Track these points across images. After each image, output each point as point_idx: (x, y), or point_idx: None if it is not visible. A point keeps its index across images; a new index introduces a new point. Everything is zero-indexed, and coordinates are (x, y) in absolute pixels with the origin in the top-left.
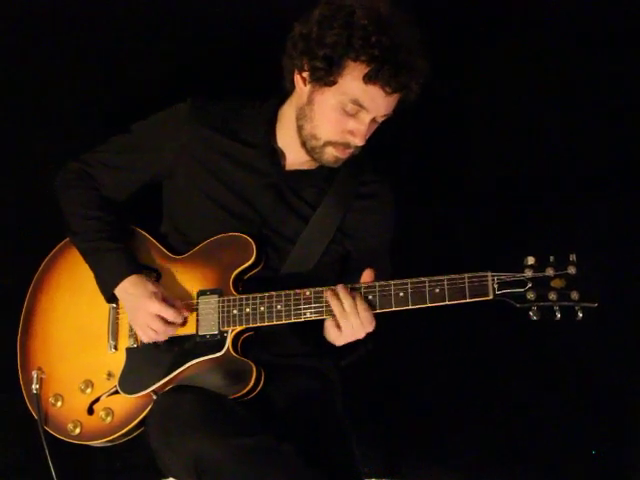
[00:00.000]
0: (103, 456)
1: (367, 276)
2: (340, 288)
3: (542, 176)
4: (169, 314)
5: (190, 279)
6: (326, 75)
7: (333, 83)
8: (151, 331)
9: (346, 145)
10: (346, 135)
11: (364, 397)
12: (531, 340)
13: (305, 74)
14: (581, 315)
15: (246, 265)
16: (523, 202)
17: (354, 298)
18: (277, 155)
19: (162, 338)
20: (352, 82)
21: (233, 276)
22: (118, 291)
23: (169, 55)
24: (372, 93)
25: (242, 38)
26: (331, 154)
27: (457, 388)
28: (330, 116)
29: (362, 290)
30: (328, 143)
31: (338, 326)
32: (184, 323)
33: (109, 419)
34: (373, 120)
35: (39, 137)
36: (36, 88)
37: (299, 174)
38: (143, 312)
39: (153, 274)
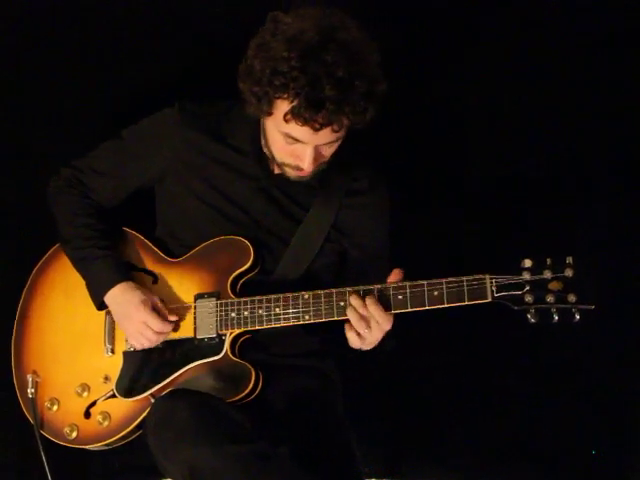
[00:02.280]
0: (101, 457)
1: (394, 276)
2: (350, 296)
3: (541, 177)
4: (155, 324)
5: (187, 282)
6: (259, 108)
7: (269, 114)
8: (142, 338)
9: (298, 167)
10: (295, 159)
11: (364, 397)
12: (530, 341)
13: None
14: (578, 317)
15: (243, 268)
16: (522, 203)
17: (364, 299)
18: (265, 160)
19: (153, 345)
20: (280, 117)
21: (231, 279)
22: (107, 299)
23: (169, 55)
24: (299, 129)
25: (239, 39)
26: (291, 173)
27: (457, 389)
28: (276, 142)
29: (374, 292)
30: (283, 164)
31: (358, 334)
32: (176, 329)
33: (106, 423)
34: (320, 146)
35: (34, 139)
36: (36, 88)
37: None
38: (131, 321)
39: (150, 278)
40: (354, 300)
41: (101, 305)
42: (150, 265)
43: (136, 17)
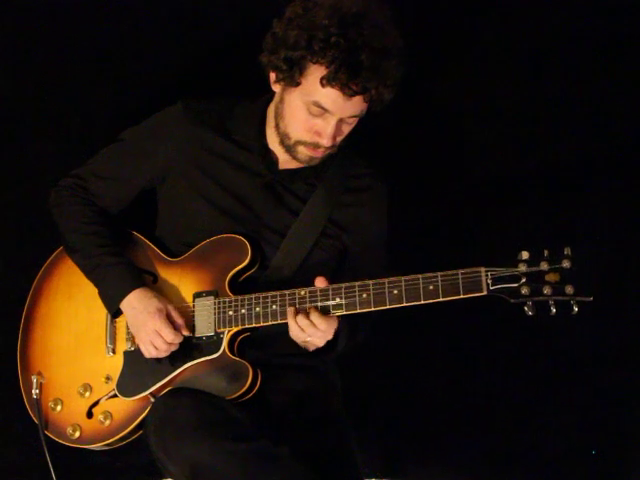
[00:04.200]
0: (103, 456)
1: (319, 282)
2: (290, 312)
3: (539, 170)
4: (167, 334)
5: (186, 281)
6: (289, 76)
7: (298, 84)
8: (152, 348)
9: (315, 145)
10: (314, 135)
11: (364, 397)
12: (530, 338)
13: (273, 73)
14: (576, 309)
15: (241, 266)
16: (518, 197)
17: (308, 315)
18: (269, 155)
19: (163, 355)
20: (312, 84)
21: (229, 277)
22: (123, 305)
23: (168, 55)
24: (332, 96)
25: (238, 37)
26: (304, 153)
27: (457, 387)
28: (297, 116)
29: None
30: (298, 142)
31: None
32: (191, 319)
33: (108, 422)
34: (342, 121)
35: (36, 142)
36: (36, 88)
37: (292, 172)
38: (145, 328)
39: (149, 277)
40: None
41: (116, 313)
42: (149, 265)
43: (137, 17)
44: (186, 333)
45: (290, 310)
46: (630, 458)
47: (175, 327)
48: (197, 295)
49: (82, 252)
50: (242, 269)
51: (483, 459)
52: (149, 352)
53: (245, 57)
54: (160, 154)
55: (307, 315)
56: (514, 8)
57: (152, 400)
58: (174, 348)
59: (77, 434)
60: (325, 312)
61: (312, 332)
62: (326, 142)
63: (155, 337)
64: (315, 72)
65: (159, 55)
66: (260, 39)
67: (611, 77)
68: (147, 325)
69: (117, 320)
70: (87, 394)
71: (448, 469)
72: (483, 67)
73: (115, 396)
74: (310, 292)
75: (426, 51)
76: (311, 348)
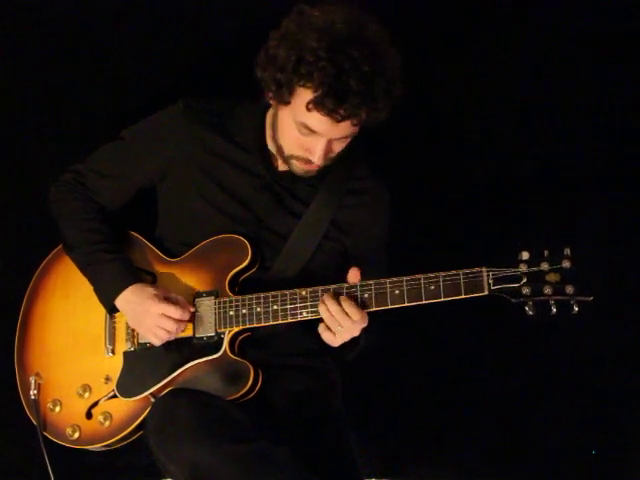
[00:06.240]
0: (103, 456)
1: (353, 276)
2: (326, 295)
3: (540, 170)
4: (174, 312)
5: (186, 282)
6: (278, 95)
7: (287, 103)
8: (162, 331)
9: (307, 160)
10: (305, 152)
11: (364, 396)
12: (530, 338)
13: (266, 89)
14: (577, 309)
15: (242, 266)
16: (518, 197)
17: (340, 301)
18: (269, 157)
19: (173, 337)
20: (300, 106)
21: (229, 277)
22: (119, 302)
23: (168, 55)
24: (319, 119)
25: (239, 38)
26: (298, 167)
27: (456, 387)
28: (288, 133)
29: (355, 290)
30: (291, 156)
31: (329, 329)
32: (191, 319)
33: (107, 423)
34: (333, 140)
35: (36, 142)
36: (36, 88)
37: (292, 173)
38: (149, 315)
39: (149, 277)
40: (327, 299)
41: (112, 309)
42: (149, 265)
43: (136, 17)
44: (192, 309)
45: (322, 298)
46: (630, 458)
47: (179, 304)
48: (197, 295)
49: (79, 248)
50: (242, 269)
51: (483, 459)
52: (159, 337)
53: (246, 57)
54: (160, 153)
55: (339, 302)
56: (514, 8)
57: (152, 400)
58: (183, 327)
59: (76, 435)
60: None
61: (342, 320)
62: (317, 160)
63: (162, 320)
64: (302, 95)
65: (159, 55)
66: (261, 39)
67: (611, 77)
68: (150, 311)
69: (116, 320)
70: (86, 395)
71: (448, 469)
72: (483, 67)
73: (115, 397)
74: (311, 292)
75: (426, 51)
76: (337, 343)
